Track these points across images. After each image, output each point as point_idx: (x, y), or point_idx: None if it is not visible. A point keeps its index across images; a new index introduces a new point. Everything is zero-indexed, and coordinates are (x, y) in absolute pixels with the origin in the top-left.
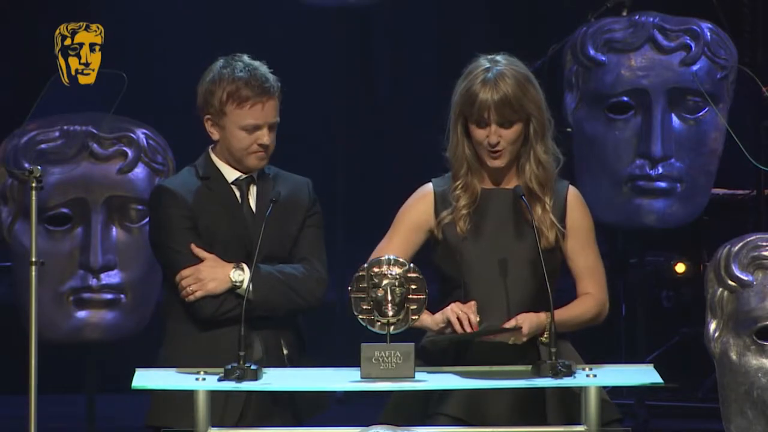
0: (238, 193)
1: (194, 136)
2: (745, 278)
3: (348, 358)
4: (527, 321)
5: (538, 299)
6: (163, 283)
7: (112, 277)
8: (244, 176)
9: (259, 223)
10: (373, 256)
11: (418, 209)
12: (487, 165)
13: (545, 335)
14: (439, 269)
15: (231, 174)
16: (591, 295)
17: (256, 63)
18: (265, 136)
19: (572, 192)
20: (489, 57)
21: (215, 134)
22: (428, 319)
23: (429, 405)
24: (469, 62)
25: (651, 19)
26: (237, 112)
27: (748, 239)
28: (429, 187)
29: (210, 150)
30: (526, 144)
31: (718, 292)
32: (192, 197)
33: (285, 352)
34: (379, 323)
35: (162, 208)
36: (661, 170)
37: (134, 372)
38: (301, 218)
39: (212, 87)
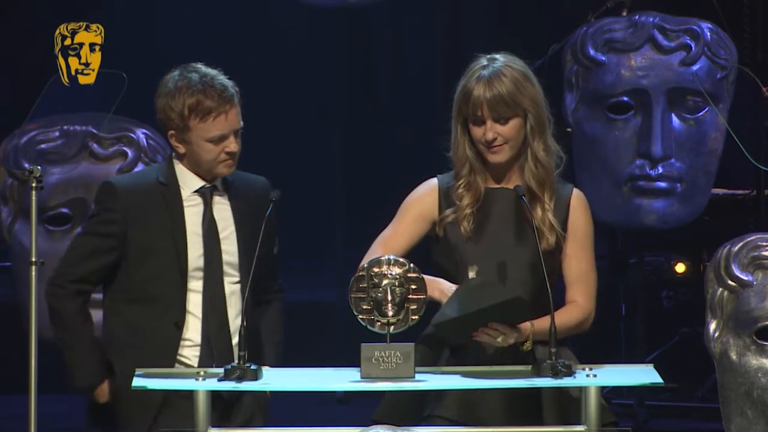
0: (200, 201)
1: None
2: (745, 278)
3: (348, 358)
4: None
5: (537, 301)
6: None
7: None
8: (208, 185)
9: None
10: (378, 243)
11: (425, 200)
12: (489, 163)
13: (527, 344)
14: (438, 266)
15: (195, 182)
16: (577, 304)
17: (213, 72)
18: (232, 144)
19: (576, 195)
20: (488, 56)
21: (181, 148)
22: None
23: (424, 406)
24: (470, 62)
25: (651, 19)
26: (201, 126)
27: (748, 239)
28: (434, 181)
29: (173, 158)
30: (525, 142)
31: (718, 292)
32: (138, 198)
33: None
34: (379, 323)
35: (96, 206)
36: (661, 170)
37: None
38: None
39: (171, 102)
